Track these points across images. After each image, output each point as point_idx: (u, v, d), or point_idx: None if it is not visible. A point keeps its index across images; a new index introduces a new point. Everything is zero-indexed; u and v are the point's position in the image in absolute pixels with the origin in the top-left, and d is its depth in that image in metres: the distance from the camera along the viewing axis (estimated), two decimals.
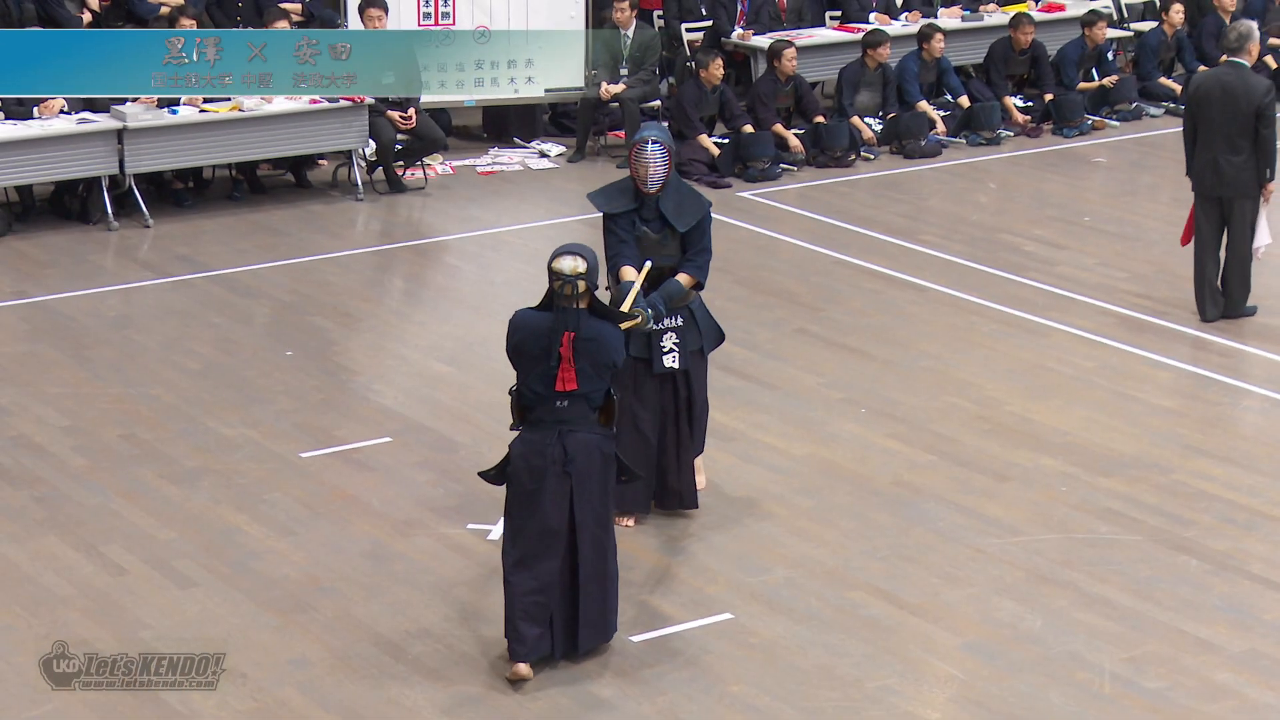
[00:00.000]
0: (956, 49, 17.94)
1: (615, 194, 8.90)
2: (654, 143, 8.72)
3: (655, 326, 8.81)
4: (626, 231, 8.78)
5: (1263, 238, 11.97)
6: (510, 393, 7.68)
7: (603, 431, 7.68)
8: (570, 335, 7.47)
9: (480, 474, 7.90)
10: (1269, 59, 18.19)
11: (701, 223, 8.84)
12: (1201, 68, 18.11)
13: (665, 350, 8.95)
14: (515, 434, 7.70)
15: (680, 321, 8.95)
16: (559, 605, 7.60)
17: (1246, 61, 11.93)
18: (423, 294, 13.26)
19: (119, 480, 9.58)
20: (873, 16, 17.92)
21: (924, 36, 17.04)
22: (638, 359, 8.89)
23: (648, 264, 8.72)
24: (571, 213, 14.93)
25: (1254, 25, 12.21)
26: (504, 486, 7.69)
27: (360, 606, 8.27)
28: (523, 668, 7.54)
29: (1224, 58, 12.20)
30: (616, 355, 7.61)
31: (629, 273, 8.71)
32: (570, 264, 7.50)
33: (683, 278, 8.83)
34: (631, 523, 9.04)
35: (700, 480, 9.33)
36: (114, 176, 14.06)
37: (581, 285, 7.49)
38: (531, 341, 7.53)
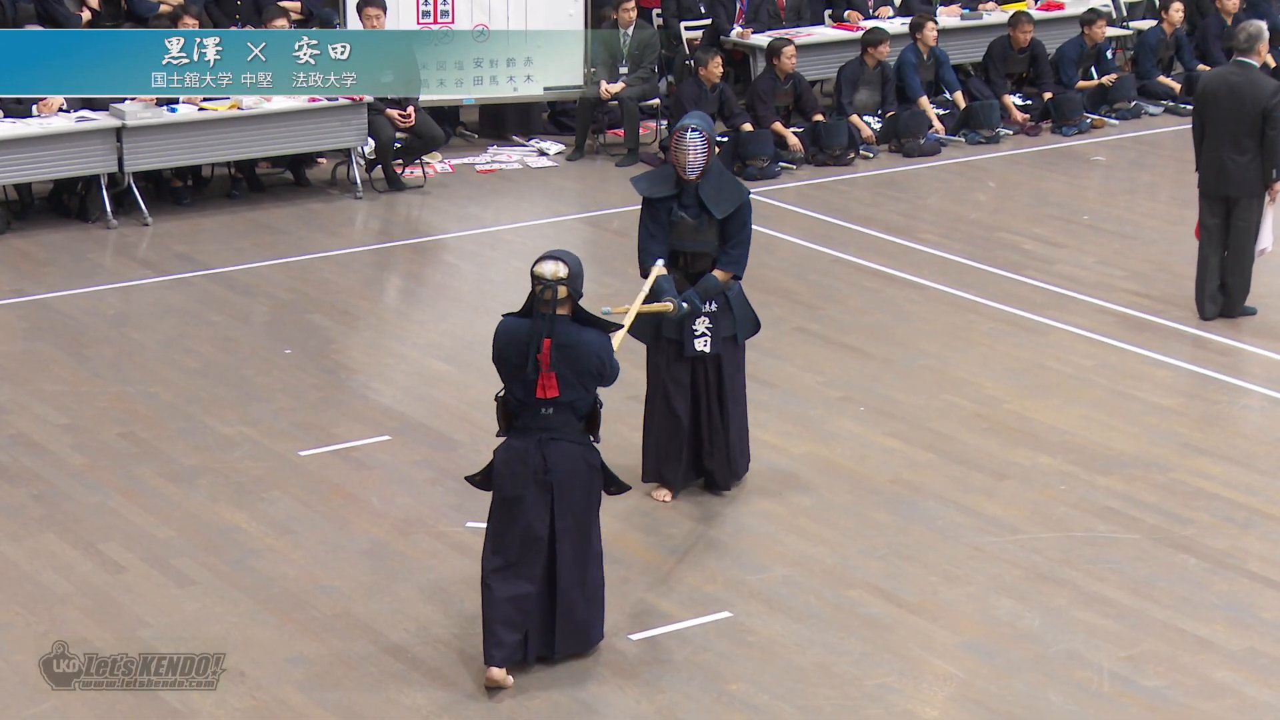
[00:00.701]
0: (956, 47, 17.95)
1: (657, 180, 9.15)
2: (694, 130, 8.92)
3: (699, 311, 9.08)
4: (661, 218, 9.03)
5: (1267, 238, 11.96)
6: (496, 399, 7.66)
7: (587, 440, 7.62)
8: (548, 342, 7.41)
9: (467, 479, 7.90)
10: (1268, 58, 18.19)
11: (740, 211, 9.06)
12: (1201, 66, 18.14)
13: (697, 334, 9.16)
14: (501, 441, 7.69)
15: (714, 307, 9.15)
16: (535, 611, 7.58)
17: (1255, 62, 11.93)
18: (421, 292, 13.26)
19: (117, 478, 9.58)
20: (848, 14, 17.94)
21: (916, 27, 17.06)
22: (670, 341, 9.14)
23: (664, 304, 8.87)
24: (570, 211, 14.95)
25: (1263, 26, 12.17)
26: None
27: (359, 605, 8.27)
28: (498, 673, 7.51)
29: (1235, 57, 12.15)
30: (600, 364, 7.47)
31: (660, 269, 8.99)
32: (551, 268, 7.41)
33: (718, 273, 9.09)
34: (668, 497, 9.28)
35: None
36: (113, 174, 14.07)
37: (562, 290, 7.39)
38: (512, 349, 7.47)
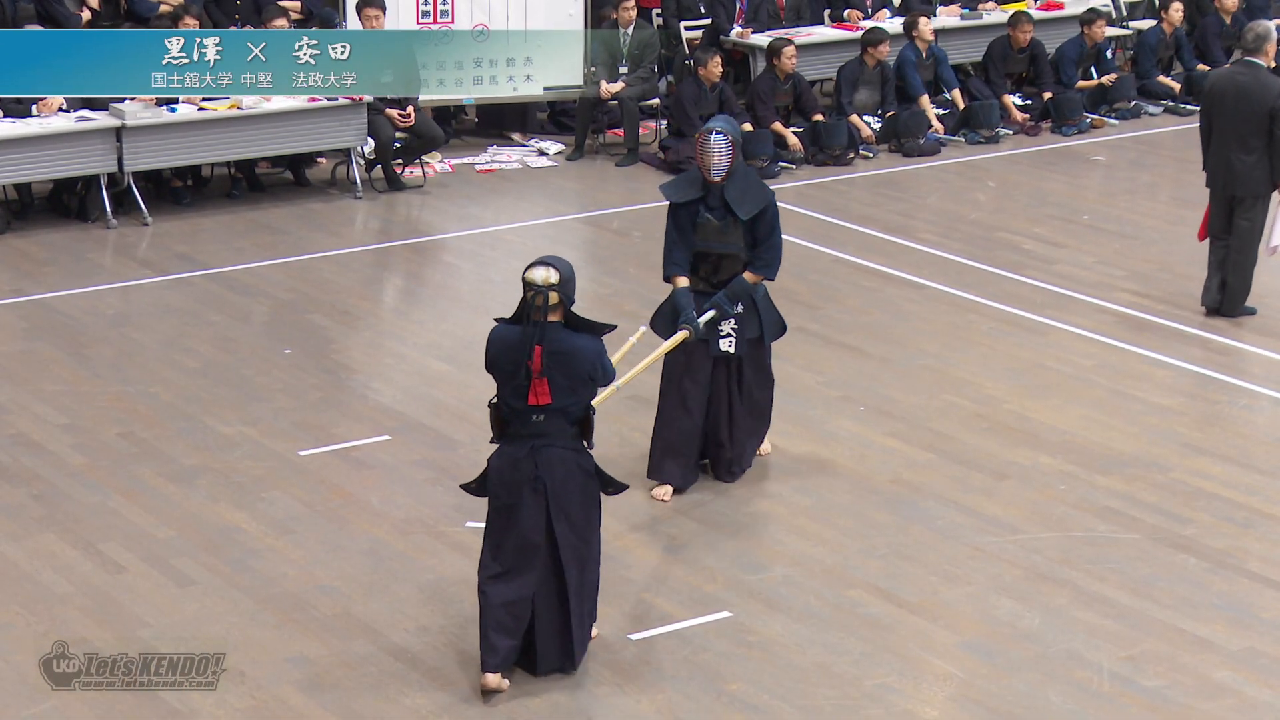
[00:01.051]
0: (955, 47, 17.96)
1: (684, 184, 9.33)
2: (718, 133, 9.08)
3: (728, 314, 9.25)
4: (684, 223, 9.21)
5: (1277, 237, 11.95)
6: (489, 405, 7.64)
7: (580, 446, 7.56)
8: (539, 348, 7.36)
9: (462, 486, 7.86)
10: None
11: (765, 213, 9.20)
12: (1201, 66, 18.15)
13: (722, 335, 9.31)
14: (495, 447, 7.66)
15: (740, 309, 9.29)
16: (545, 620, 7.55)
17: (1263, 61, 11.94)
18: (421, 292, 13.26)
19: (117, 478, 9.58)
20: (847, 14, 17.96)
21: (910, 25, 17.07)
22: (697, 339, 9.31)
23: (679, 334, 9.13)
24: (570, 211, 14.94)
25: (1271, 26, 12.17)
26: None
27: (359, 605, 8.27)
28: (492, 678, 7.49)
29: (1238, 54, 12.15)
30: (593, 368, 7.41)
31: (682, 282, 9.22)
32: (542, 274, 7.35)
33: (749, 275, 9.28)
34: (669, 496, 9.31)
35: (766, 446, 9.84)
36: (112, 174, 14.07)
37: (553, 296, 7.33)
38: (504, 356, 7.43)
